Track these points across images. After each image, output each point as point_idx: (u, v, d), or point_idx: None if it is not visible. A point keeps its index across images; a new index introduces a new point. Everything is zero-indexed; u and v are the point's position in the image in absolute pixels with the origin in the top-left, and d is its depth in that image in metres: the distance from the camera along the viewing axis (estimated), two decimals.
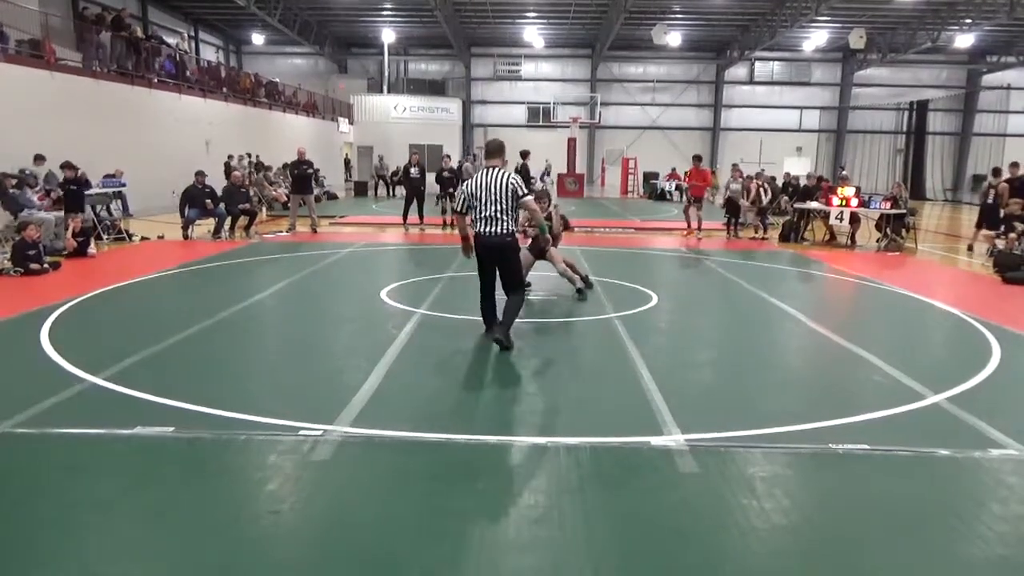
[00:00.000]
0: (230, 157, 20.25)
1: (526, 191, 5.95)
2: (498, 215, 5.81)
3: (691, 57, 38.13)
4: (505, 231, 5.84)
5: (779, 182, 19.36)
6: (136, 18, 25.50)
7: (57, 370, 5.14)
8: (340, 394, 4.68)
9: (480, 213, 5.86)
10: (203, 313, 7.02)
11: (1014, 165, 12.68)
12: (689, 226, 15.11)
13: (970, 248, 12.90)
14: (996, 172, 13.54)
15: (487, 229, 5.85)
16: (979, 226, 13.23)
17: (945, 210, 27.27)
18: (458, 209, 6.11)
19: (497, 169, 5.93)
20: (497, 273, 6.02)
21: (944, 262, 12.39)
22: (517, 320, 5.94)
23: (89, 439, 3.94)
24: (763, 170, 24.07)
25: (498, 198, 5.79)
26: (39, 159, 13.47)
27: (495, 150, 6.13)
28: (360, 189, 28.87)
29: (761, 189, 16.16)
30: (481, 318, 6.21)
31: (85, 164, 13.63)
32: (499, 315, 6.03)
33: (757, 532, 3.08)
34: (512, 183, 5.84)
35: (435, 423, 4.32)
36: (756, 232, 15.46)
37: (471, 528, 3.08)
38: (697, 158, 15.52)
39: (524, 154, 18.56)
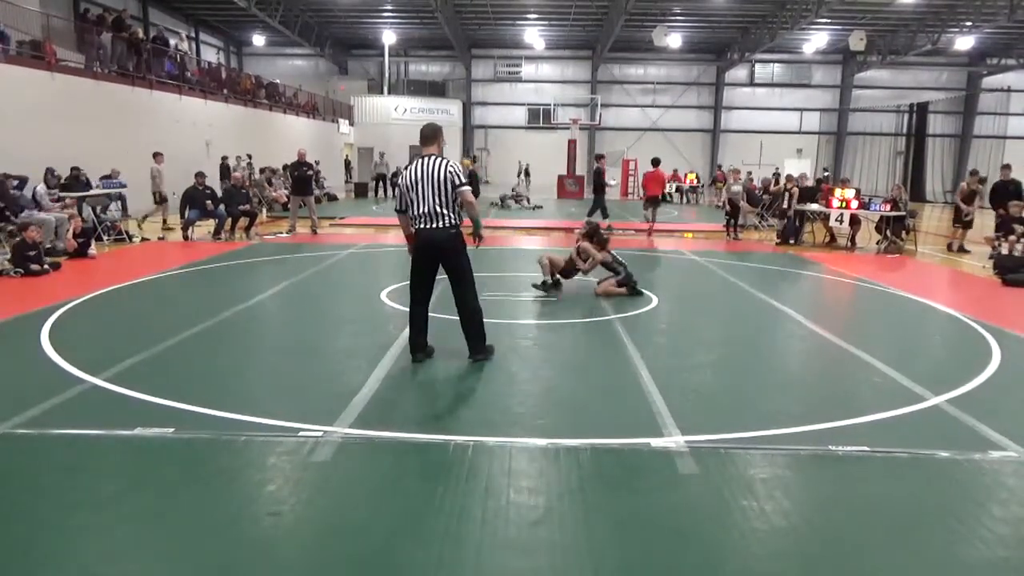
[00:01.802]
0: (225, 158, 20.24)
1: (463, 180, 5.33)
2: (439, 209, 5.22)
3: (691, 59, 38.18)
4: (448, 224, 5.26)
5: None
6: (137, 19, 25.54)
7: (57, 371, 5.14)
8: (340, 395, 4.68)
9: (418, 209, 5.25)
10: (203, 314, 7.03)
11: (1006, 167, 12.93)
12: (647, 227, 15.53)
13: (962, 248, 13.31)
14: (972, 173, 14.41)
15: (427, 224, 5.28)
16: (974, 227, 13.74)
17: (945, 212, 27.22)
18: (398, 208, 5.52)
19: (434, 158, 5.30)
20: (438, 284, 5.43)
21: (944, 264, 12.40)
22: (516, 321, 5.90)
23: (89, 440, 3.94)
24: (776, 171, 24.21)
25: (437, 191, 5.20)
26: (158, 156, 13.27)
27: (431, 135, 5.41)
28: (360, 190, 28.88)
29: (787, 191, 16.18)
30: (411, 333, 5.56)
31: (86, 165, 13.67)
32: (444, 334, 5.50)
33: (757, 534, 3.08)
34: (449, 171, 5.23)
35: (435, 424, 4.33)
36: (759, 230, 15.50)
37: (471, 529, 3.08)
38: (655, 161, 15.96)
39: (598, 157, 18.51)
